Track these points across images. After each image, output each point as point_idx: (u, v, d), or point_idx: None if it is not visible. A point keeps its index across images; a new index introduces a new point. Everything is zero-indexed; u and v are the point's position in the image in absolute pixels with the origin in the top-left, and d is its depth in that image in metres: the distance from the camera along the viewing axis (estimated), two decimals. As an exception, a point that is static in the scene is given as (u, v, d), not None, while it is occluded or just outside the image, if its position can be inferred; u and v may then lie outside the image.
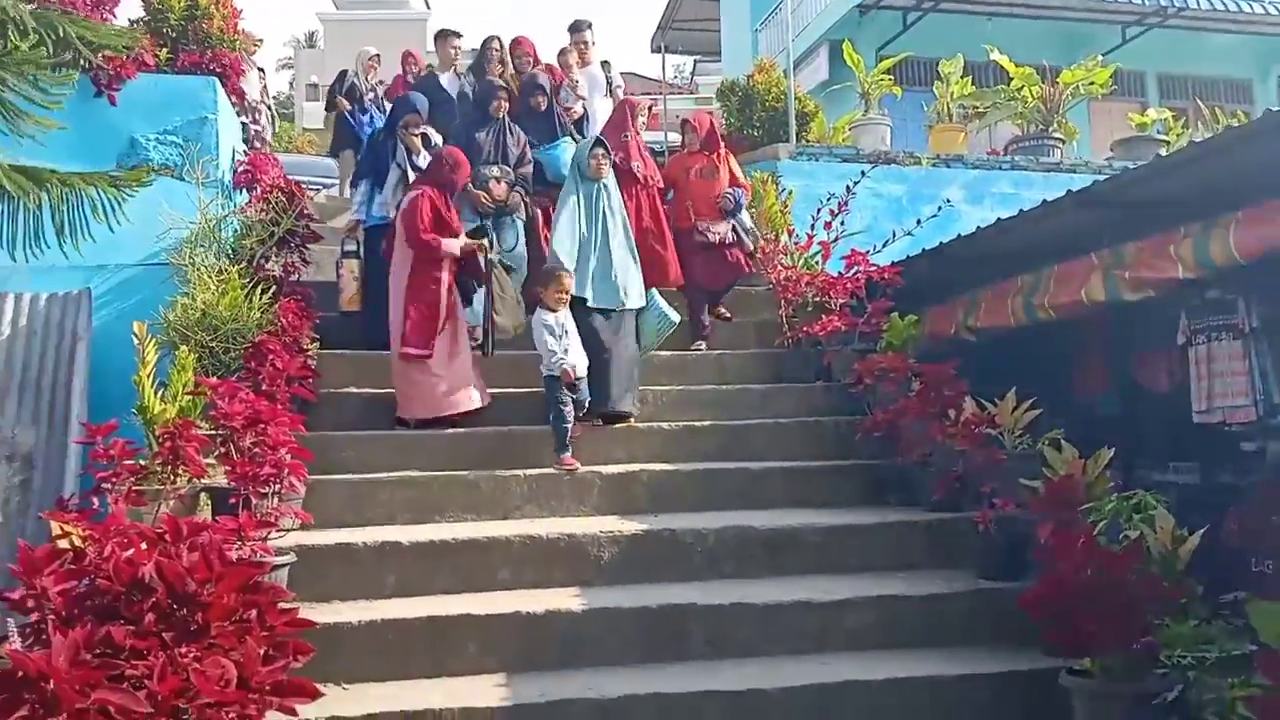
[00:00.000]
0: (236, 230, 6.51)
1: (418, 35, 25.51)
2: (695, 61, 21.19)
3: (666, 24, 21.53)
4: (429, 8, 26.59)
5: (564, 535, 4.58)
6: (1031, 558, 4.24)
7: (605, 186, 6.02)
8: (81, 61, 2.87)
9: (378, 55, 10.14)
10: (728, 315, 7.12)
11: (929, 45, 12.78)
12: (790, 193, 7.79)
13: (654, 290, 6.09)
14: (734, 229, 6.94)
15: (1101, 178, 6.00)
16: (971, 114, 9.83)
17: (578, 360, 5.38)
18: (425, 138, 6.83)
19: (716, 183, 6.99)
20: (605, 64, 8.55)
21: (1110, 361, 6.02)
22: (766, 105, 9.15)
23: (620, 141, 6.87)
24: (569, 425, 5.28)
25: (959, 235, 6.03)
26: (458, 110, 7.60)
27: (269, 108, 10.51)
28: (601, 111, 8.15)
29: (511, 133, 6.87)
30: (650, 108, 7.55)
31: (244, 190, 7.07)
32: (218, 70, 7.11)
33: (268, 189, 6.70)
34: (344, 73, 9.87)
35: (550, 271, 5.59)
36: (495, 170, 6.64)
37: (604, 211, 5.95)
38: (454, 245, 5.79)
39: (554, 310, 5.43)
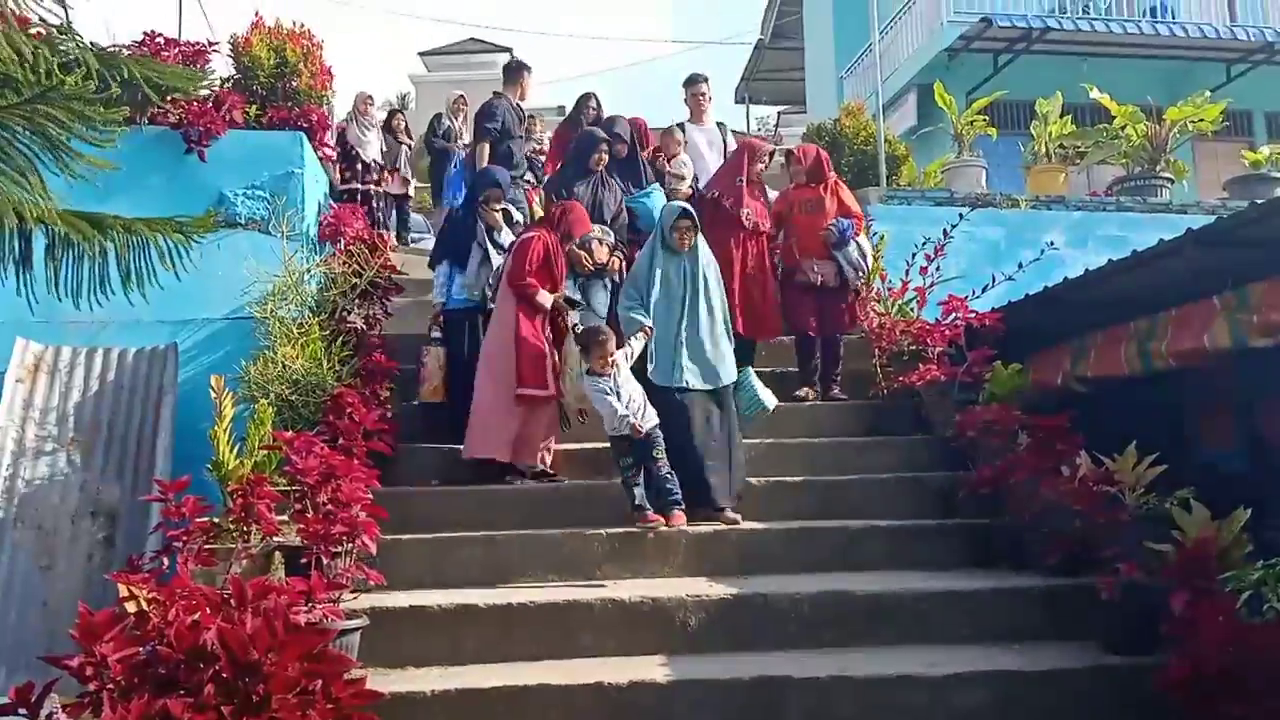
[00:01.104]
0: (320, 283, 6.50)
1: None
2: (779, 113, 21.09)
3: (750, 75, 21.59)
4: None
5: (648, 599, 4.30)
6: (1162, 630, 3.83)
7: (694, 254, 5.52)
8: (151, 104, 2.80)
9: (463, 96, 10.18)
10: (842, 396, 6.52)
11: (1020, 88, 12.44)
12: (882, 237, 7.49)
13: (749, 370, 5.66)
14: (839, 270, 6.50)
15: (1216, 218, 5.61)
16: (1072, 154, 9.43)
17: (643, 412, 5.04)
18: (507, 214, 6.54)
19: (822, 216, 6.58)
20: (721, 125, 8.11)
21: (1236, 413, 5.58)
22: (855, 148, 8.92)
23: (732, 186, 6.60)
24: (640, 486, 4.98)
25: (1067, 279, 5.68)
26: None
27: (408, 145, 10.63)
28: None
29: (608, 187, 6.59)
30: (772, 154, 7.00)
31: (328, 243, 7.09)
32: (304, 126, 7.18)
33: (351, 241, 6.70)
34: (437, 116, 9.89)
35: (594, 336, 5.16)
36: (598, 231, 6.29)
37: (689, 282, 5.47)
38: (546, 299, 5.67)
39: (602, 374, 5.08)
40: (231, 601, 3.06)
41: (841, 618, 4.26)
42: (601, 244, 6.26)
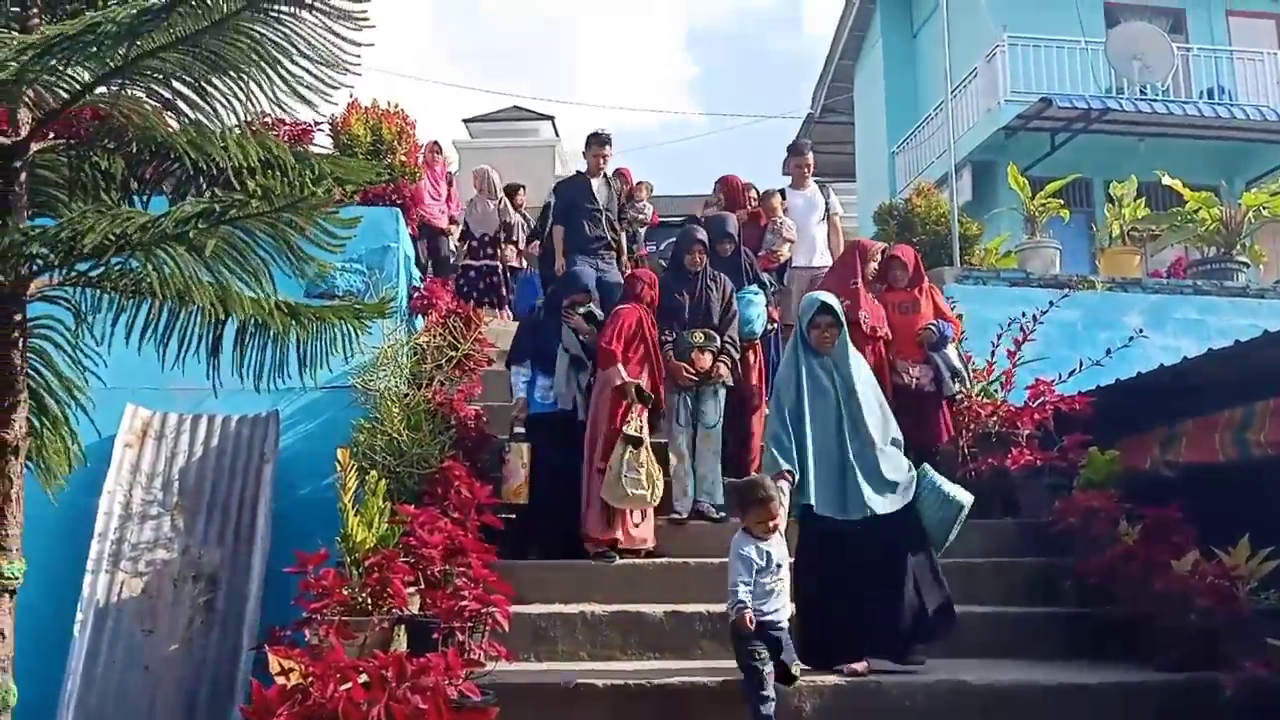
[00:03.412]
0: (415, 354, 6.65)
1: (546, 160, 26.46)
2: (819, 184, 21.32)
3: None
4: (558, 134, 27.65)
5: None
6: (1288, 729, 3.80)
7: (842, 353, 4.71)
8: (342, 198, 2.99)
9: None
10: None
11: (1077, 165, 12.55)
12: (960, 316, 7.55)
13: (925, 466, 4.70)
14: (936, 374, 6.19)
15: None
16: (1146, 237, 9.51)
17: (783, 610, 4.11)
18: (590, 315, 6.19)
19: (918, 317, 6.27)
20: (822, 186, 7.94)
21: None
22: (927, 228, 9.03)
23: (849, 289, 6.14)
24: (768, 694, 3.92)
25: (1161, 365, 5.73)
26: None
27: (526, 218, 10.77)
28: (819, 238, 7.64)
29: (715, 285, 6.12)
30: (883, 251, 6.68)
31: (419, 315, 7.26)
32: (399, 201, 7.40)
33: (443, 314, 6.86)
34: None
35: (753, 494, 4.20)
36: (699, 337, 5.91)
37: (836, 389, 4.63)
38: (617, 375, 5.61)
39: (759, 539, 4.14)
40: (390, 677, 3.12)
41: (958, 711, 4.24)
42: (704, 351, 5.90)
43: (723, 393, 5.98)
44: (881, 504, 4.42)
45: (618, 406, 5.61)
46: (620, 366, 5.65)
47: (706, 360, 5.89)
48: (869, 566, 4.37)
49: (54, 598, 5.57)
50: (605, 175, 7.85)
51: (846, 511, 4.44)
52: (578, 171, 7.96)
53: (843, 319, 4.76)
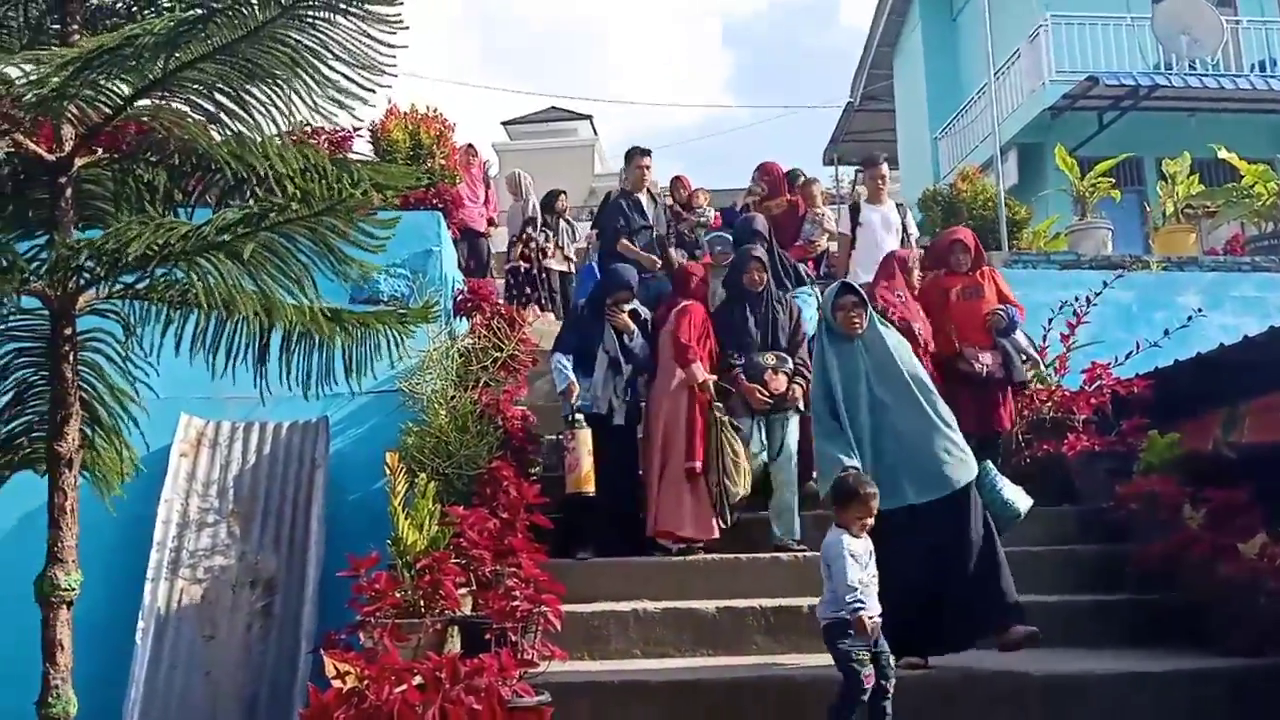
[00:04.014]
0: (460, 356, 6.67)
1: (586, 159, 26.53)
2: (856, 171, 21.04)
3: (839, 137, 21.68)
4: (596, 133, 27.72)
5: (815, 678, 4.27)
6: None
7: (874, 335, 4.53)
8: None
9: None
10: None
11: (1126, 144, 12.28)
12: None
13: (988, 464, 4.50)
14: (1004, 360, 6.00)
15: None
16: (1201, 214, 9.27)
17: (875, 608, 3.85)
18: (635, 313, 6.08)
19: (982, 302, 6.10)
20: (901, 206, 7.56)
21: None
22: (973, 213, 8.88)
23: (895, 300, 6.01)
24: (864, 698, 3.71)
25: (1221, 345, 5.58)
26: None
27: (569, 223, 10.82)
28: None
29: (782, 306, 5.82)
30: (919, 259, 6.60)
31: (464, 317, 7.28)
32: (440, 205, 7.43)
33: (489, 315, 6.88)
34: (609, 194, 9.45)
35: (858, 488, 3.95)
36: (771, 359, 5.61)
37: (869, 374, 4.45)
38: (698, 374, 5.54)
39: (857, 536, 3.93)
40: (444, 679, 3.12)
41: (1019, 702, 4.16)
42: (777, 372, 5.58)
43: (796, 420, 5.64)
44: (916, 492, 4.22)
45: (698, 402, 5.57)
46: (700, 364, 5.59)
47: (781, 382, 5.57)
48: (924, 555, 4.18)
49: (115, 606, 5.66)
50: (649, 190, 7.66)
51: (898, 499, 4.22)
52: (622, 189, 7.80)
53: (866, 299, 4.60)
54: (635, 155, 7.58)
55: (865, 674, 3.69)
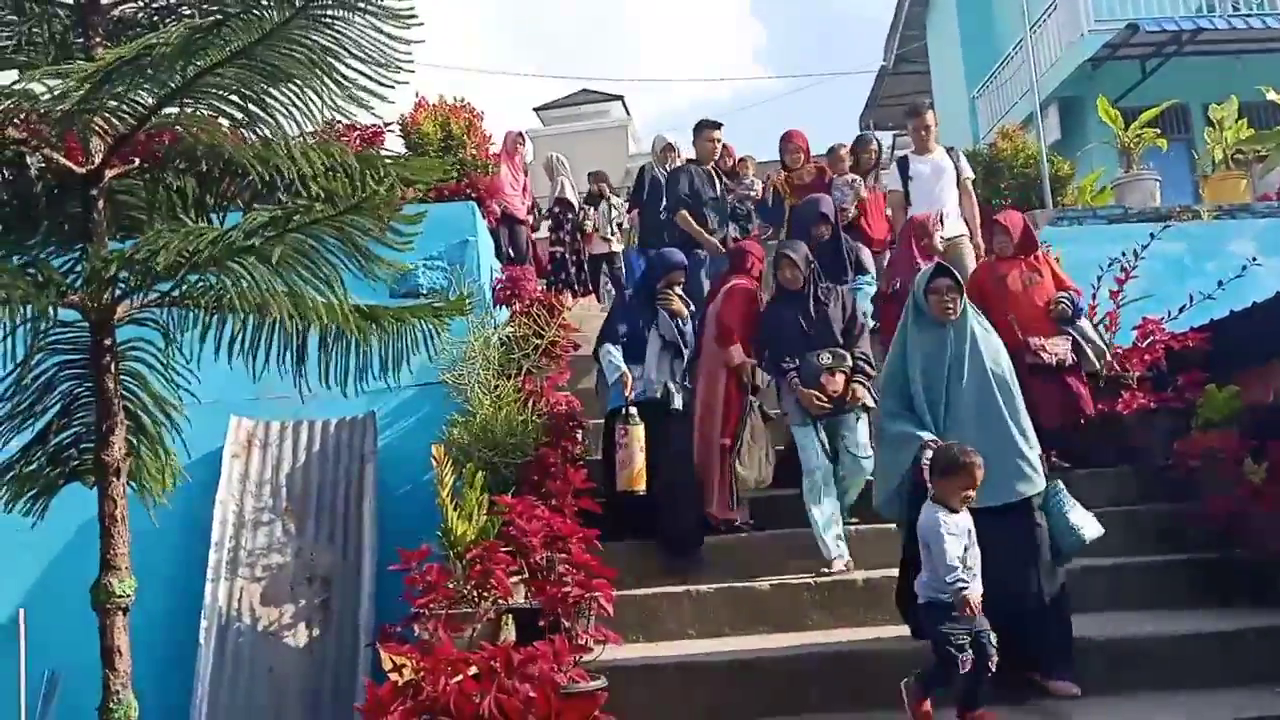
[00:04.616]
0: (501, 345, 6.69)
1: (620, 141, 26.41)
2: (894, 135, 20.72)
3: (874, 102, 21.39)
4: (629, 114, 27.57)
5: (872, 653, 4.24)
6: None
7: (962, 324, 4.20)
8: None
9: (672, 144, 9.22)
10: (1066, 465, 5.39)
11: (1171, 92, 11.92)
12: (1057, 260, 7.25)
13: (1058, 483, 4.16)
14: (1074, 347, 5.77)
15: None
16: (1252, 159, 8.98)
17: (978, 587, 3.62)
18: (683, 298, 5.92)
19: (1042, 289, 5.85)
20: (952, 150, 7.08)
21: None
22: (1015, 172, 8.69)
23: (913, 269, 5.65)
24: (954, 683, 3.58)
25: (1278, 293, 5.40)
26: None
27: (610, 203, 10.70)
28: (950, 203, 6.73)
29: (832, 297, 5.41)
30: (939, 222, 6.30)
31: (503, 306, 7.30)
32: (474, 195, 7.44)
33: (528, 303, 6.88)
34: (643, 170, 8.59)
35: (963, 458, 3.68)
36: (827, 358, 5.19)
37: (952, 365, 4.15)
38: (735, 357, 5.52)
39: (955, 511, 3.69)
40: (498, 668, 3.13)
41: (1080, 665, 4.08)
42: (834, 373, 5.19)
43: (864, 420, 5.26)
44: (978, 496, 3.77)
45: (735, 382, 5.54)
46: (738, 346, 5.56)
47: (839, 382, 5.16)
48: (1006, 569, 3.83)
49: (178, 608, 5.80)
50: (717, 165, 7.49)
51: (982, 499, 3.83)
52: (688, 160, 7.60)
53: (963, 286, 4.27)
54: (704, 128, 7.34)
55: (963, 658, 3.50)
